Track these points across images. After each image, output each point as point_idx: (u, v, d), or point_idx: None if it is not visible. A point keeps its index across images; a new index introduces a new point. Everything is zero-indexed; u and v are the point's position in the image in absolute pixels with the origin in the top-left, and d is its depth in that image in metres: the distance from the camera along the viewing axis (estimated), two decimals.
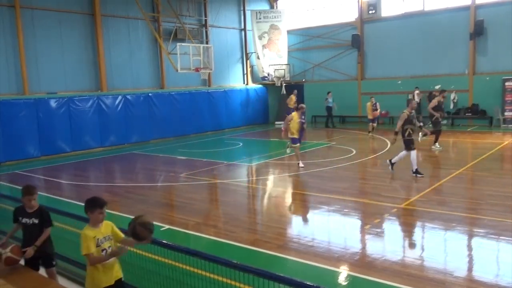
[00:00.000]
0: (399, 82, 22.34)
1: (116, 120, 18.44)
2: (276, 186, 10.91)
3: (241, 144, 18.23)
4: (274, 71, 24.81)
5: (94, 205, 3.94)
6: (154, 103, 19.90)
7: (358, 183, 10.79)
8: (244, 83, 25.93)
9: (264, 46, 25.45)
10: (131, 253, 5.02)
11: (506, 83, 19.19)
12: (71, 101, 17.04)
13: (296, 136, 12.31)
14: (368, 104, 18.38)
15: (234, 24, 25.23)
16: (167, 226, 7.54)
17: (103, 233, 3.90)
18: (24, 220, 4.71)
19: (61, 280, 5.50)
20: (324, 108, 22.55)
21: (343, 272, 5.49)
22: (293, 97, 21.74)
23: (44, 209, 4.88)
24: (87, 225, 3.96)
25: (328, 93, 22.15)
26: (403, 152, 10.95)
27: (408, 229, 7.09)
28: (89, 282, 3.86)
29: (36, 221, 4.72)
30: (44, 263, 4.87)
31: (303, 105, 12.85)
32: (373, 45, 23.33)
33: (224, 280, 3.96)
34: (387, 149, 14.73)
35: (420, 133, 16.45)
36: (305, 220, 7.99)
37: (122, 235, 4.03)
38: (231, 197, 9.77)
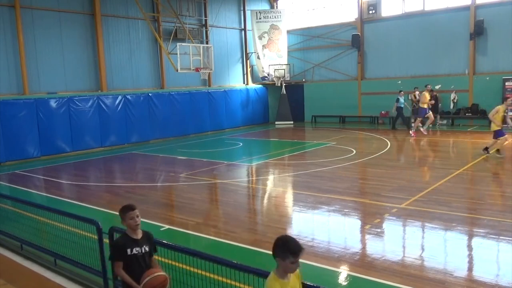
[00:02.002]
0: (399, 82, 22.33)
1: (116, 120, 18.45)
2: (276, 186, 10.91)
3: (241, 144, 18.24)
4: (274, 71, 24.82)
5: (286, 250, 2.80)
6: (154, 103, 19.90)
7: (358, 183, 10.79)
8: (244, 83, 25.94)
9: (264, 46, 25.46)
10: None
11: (506, 83, 19.18)
12: (71, 101, 17.05)
13: (500, 128, 12.41)
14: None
15: (234, 24, 25.24)
16: (167, 226, 7.54)
17: (292, 287, 2.97)
18: (136, 250, 3.67)
19: (61, 280, 5.51)
20: (395, 109, 20.25)
21: (343, 272, 5.49)
22: (426, 94, 17.62)
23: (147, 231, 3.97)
24: (272, 272, 2.92)
25: (400, 91, 20.14)
26: None
27: (408, 229, 7.09)
28: None
29: (147, 248, 3.75)
30: None
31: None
32: (373, 45, 23.33)
33: (224, 280, 3.96)
34: (387, 149, 14.73)
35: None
36: (305, 220, 7.98)
37: None
38: (231, 197, 9.76)
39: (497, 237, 6.38)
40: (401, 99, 19.96)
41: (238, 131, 23.09)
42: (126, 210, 3.71)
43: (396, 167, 11.85)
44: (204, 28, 23.25)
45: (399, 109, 20.07)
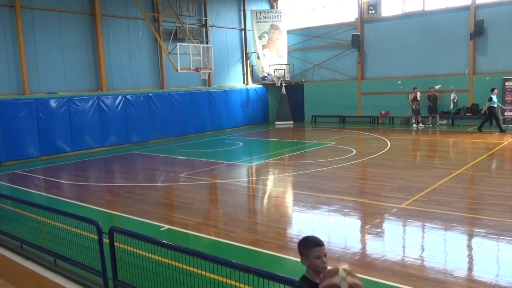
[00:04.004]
0: (399, 82, 22.34)
1: (116, 120, 18.45)
2: (276, 186, 10.91)
3: (241, 144, 18.24)
4: (274, 71, 24.82)
5: None
6: (154, 103, 19.91)
7: (358, 183, 10.79)
8: (244, 83, 25.93)
9: (264, 46, 25.46)
10: (130, 252, 5.03)
11: (506, 83, 19.18)
12: (71, 101, 17.05)
13: None
14: None
15: (234, 24, 25.24)
16: (167, 226, 7.54)
17: None
18: None
19: (61, 280, 5.51)
20: (486, 108, 18.04)
21: None
22: None
23: None
24: None
25: (493, 89, 17.98)
26: None
27: (408, 229, 7.09)
28: None
29: None
30: None
31: None
32: (373, 45, 23.33)
33: (224, 280, 3.96)
34: (387, 149, 14.73)
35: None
36: (305, 220, 7.98)
37: None
38: (231, 197, 9.77)
39: (497, 237, 6.38)
40: (494, 98, 17.80)
41: (238, 131, 23.09)
42: (312, 245, 2.74)
43: (396, 167, 11.84)
44: (204, 28, 23.25)
45: (491, 109, 17.89)
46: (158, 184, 11.39)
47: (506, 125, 19.15)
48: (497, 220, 7.08)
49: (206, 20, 23.23)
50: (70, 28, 17.76)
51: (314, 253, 2.69)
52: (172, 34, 20.73)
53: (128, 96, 18.95)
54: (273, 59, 25.41)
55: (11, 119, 15.31)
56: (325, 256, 2.73)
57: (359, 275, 5.24)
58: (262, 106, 26.19)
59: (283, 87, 25.14)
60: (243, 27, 25.62)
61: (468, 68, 20.47)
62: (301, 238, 2.77)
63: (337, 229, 7.41)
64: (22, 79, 16.29)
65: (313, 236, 2.80)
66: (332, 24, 24.53)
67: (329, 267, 2.54)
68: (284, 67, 24.98)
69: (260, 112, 26.02)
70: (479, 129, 18.46)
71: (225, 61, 24.60)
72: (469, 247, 6.26)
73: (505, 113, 19.32)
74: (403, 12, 22.17)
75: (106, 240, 4.87)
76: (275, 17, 25.48)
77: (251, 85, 25.89)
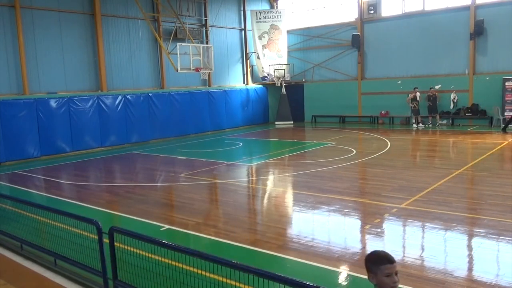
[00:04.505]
0: (399, 82, 22.34)
1: (116, 120, 18.45)
2: (276, 186, 10.91)
3: (241, 144, 18.24)
4: (274, 71, 24.83)
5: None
6: (154, 103, 19.91)
7: (358, 183, 10.79)
8: (244, 83, 25.94)
9: (264, 46, 25.46)
10: (130, 252, 5.03)
11: (506, 83, 19.18)
12: (71, 101, 17.05)
13: None
14: None
15: (234, 24, 25.24)
16: (167, 226, 7.54)
17: None
18: None
19: (61, 280, 5.51)
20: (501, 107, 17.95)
21: (343, 272, 5.49)
22: None
23: None
24: None
25: None
26: None
27: (408, 229, 7.09)
28: None
29: None
30: None
31: None
32: (373, 45, 23.34)
33: (224, 280, 3.96)
34: (387, 149, 14.73)
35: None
36: (305, 220, 7.98)
37: None
38: (231, 197, 9.76)
39: (497, 237, 6.38)
40: None
41: (238, 131, 23.09)
42: (382, 261, 2.56)
43: (396, 167, 11.84)
44: (204, 28, 23.25)
45: None
46: (158, 184, 11.39)
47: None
48: (497, 220, 7.08)
49: (206, 20, 23.23)
50: (70, 28, 17.77)
51: (384, 271, 2.50)
52: (172, 34, 20.73)
53: (128, 96, 18.95)
54: (273, 59, 25.41)
55: (11, 119, 15.31)
56: (396, 274, 2.53)
57: (358, 275, 5.21)
58: (262, 106, 26.20)
59: (283, 87, 25.15)
60: (243, 27, 25.62)
61: (468, 68, 20.47)
62: (369, 252, 2.61)
63: (337, 229, 7.41)
64: (22, 79, 16.29)
65: (383, 252, 2.62)
66: (332, 24, 24.54)
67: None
68: (284, 67, 24.98)
69: (260, 112, 26.02)
70: (505, 130, 17.75)
71: (225, 61, 24.61)
72: (469, 247, 6.26)
73: (505, 113, 19.30)
74: (403, 12, 22.18)
75: (106, 240, 4.87)
76: (275, 17, 25.49)
77: (251, 85, 25.89)
